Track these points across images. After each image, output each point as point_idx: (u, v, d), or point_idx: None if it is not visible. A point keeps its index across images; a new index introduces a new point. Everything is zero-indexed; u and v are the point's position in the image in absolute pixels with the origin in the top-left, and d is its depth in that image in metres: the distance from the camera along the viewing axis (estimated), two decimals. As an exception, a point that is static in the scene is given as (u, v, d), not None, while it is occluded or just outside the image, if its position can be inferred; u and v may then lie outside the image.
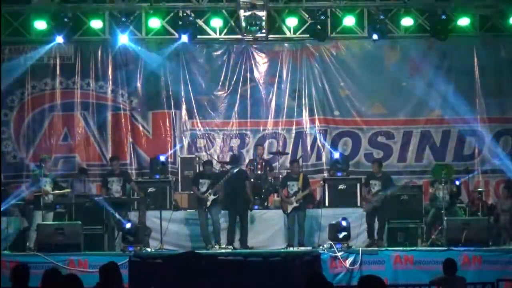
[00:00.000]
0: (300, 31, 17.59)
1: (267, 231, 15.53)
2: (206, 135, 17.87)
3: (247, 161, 17.36)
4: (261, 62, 17.93)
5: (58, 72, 17.62)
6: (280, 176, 16.01)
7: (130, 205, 15.33)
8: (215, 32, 17.56)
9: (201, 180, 15.15)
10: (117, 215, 14.58)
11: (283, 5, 17.22)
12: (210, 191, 14.94)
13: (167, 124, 17.79)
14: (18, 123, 17.53)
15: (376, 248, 14.07)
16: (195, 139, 17.79)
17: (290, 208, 14.92)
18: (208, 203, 14.90)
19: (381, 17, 17.12)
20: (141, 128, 17.81)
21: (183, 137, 17.81)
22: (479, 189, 16.27)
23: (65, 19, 16.82)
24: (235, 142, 17.82)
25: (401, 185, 15.84)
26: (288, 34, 17.72)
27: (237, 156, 16.47)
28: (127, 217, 14.75)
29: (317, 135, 17.56)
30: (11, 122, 17.52)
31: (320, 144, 17.67)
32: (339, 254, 13.33)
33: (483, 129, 17.59)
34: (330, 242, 13.78)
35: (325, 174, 17.26)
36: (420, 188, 16.20)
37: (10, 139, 17.46)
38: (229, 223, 15.07)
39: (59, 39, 17.00)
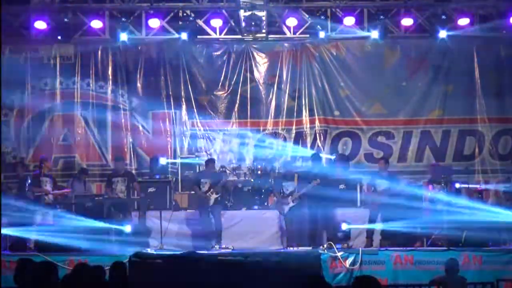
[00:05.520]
0: (300, 31, 17.59)
1: (267, 231, 15.52)
2: (206, 135, 17.87)
3: (247, 161, 17.39)
4: (261, 62, 17.93)
5: (58, 72, 17.63)
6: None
7: (132, 205, 15.33)
8: (215, 32, 17.56)
9: (202, 180, 15.16)
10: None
11: (283, 5, 17.22)
12: (212, 190, 14.95)
13: (167, 124, 17.80)
14: (18, 123, 17.53)
15: (376, 248, 14.07)
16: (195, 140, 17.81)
17: (286, 208, 14.92)
18: (211, 203, 14.91)
19: (381, 17, 17.15)
20: (141, 128, 17.82)
21: (183, 137, 17.82)
22: (479, 189, 16.26)
23: (65, 19, 16.83)
24: (235, 142, 17.82)
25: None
26: (288, 34, 17.71)
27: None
28: (129, 218, 14.79)
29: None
30: (11, 122, 17.52)
31: (320, 144, 17.68)
32: (339, 254, 13.32)
33: (483, 129, 17.61)
34: (330, 242, 13.79)
35: (325, 174, 17.25)
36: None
37: (10, 139, 17.46)
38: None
39: (59, 39, 17.01)
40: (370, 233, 14.90)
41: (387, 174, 15.25)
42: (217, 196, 14.95)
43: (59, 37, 17.03)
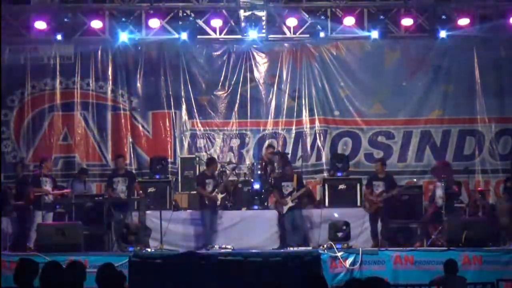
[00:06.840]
0: (300, 31, 17.58)
1: (267, 231, 15.52)
2: (206, 135, 17.87)
3: (247, 161, 17.40)
4: (261, 62, 17.92)
5: (58, 72, 17.62)
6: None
7: (132, 205, 15.34)
8: (215, 32, 17.56)
9: (206, 181, 15.17)
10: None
11: (283, 5, 17.22)
12: (216, 190, 14.97)
13: (167, 124, 17.79)
14: (18, 123, 17.52)
15: (376, 248, 14.07)
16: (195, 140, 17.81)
17: (285, 208, 14.92)
18: (218, 203, 14.92)
19: (381, 17, 17.16)
20: (141, 128, 17.81)
21: (183, 137, 17.82)
22: (479, 189, 16.26)
23: (65, 19, 16.85)
24: (235, 142, 17.82)
25: (404, 185, 15.90)
26: (288, 34, 17.71)
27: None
28: (130, 217, 14.82)
29: None
30: (11, 122, 17.51)
31: (320, 144, 17.69)
32: (339, 254, 13.32)
33: (483, 129, 17.60)
34: (330, 242, 13.80)
35: (325, 174, 17.26)
36: (420, 188, 16.21)
37: (10, 139, 17.47)
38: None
39: (59, 39, 17.04)
40: (374, 233, 14.91)
41: (384, 175, 15.28)
42: (222, 195, 15.00)
43: (59, 37, 17.03)
